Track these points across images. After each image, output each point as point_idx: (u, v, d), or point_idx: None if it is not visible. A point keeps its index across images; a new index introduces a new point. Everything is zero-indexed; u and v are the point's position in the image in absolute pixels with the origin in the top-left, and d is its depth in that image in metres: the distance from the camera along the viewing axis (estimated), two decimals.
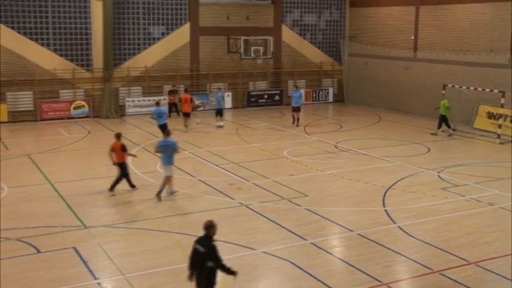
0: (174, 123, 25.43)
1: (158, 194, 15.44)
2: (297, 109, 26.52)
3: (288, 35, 33.13)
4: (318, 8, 33.78)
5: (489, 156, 21.11)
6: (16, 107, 27.23)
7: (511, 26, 25.28)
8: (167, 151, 15.41)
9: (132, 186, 16.40)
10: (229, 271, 8.68)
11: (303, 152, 21.35)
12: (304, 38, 33.76)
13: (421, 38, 29.84)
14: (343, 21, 34.68)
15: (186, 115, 25.55)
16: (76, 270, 11.11)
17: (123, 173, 16.14)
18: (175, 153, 15.59)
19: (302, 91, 29.93)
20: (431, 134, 24.72)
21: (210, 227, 8.69)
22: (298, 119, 26.61)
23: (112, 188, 16.13)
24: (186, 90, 27.54)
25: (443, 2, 28.43)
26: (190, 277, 8.89)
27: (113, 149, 15.97)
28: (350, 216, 14.37)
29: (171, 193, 15.78)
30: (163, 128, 21.70)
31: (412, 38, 30.20)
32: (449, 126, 24.65)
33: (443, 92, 25.62)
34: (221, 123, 26.25)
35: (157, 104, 23.24)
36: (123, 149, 15.95)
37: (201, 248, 8.60)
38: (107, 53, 28.20)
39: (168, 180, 15.55)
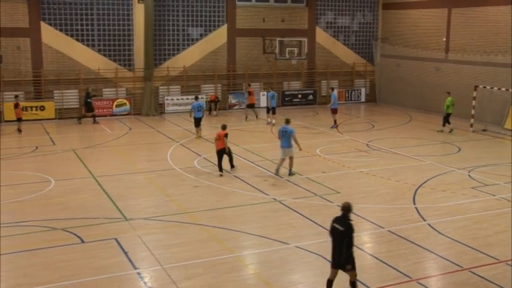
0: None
1: (290, 173, 17.71)
2: (333, 111, 26.05)
3: (322, 36, 33.41)
4: (351, 11, 34.00)
5: None
6: (63, 104, 28.14)
7: None
8: (286, 136, 17.45)
9: (232, 166, 18.30)
10: (351, 256, 9.48)
11: (336, 150, 21.45)
12: (338, 40, 33.99)
13: (453, 39, 29.74)
14: (376, 23, 34.80)
15: (251, 106, 27.89)
16: (117, 260, 11.36)
17: (228, 154, 18.18)
18: (292, 138, 17.53)
19: (335, 92, 27.83)
20: (449, 132, 24.80)
21: (348, 209, 9.53)
22: (334, 121, 26.09)
23: (232, 166, 18.23)
24: (249, 85, 29.59)
25: (474, 5, 28.31)
26: None
27: (218, 137, 17.96)
28: (381, 213, 14.38)
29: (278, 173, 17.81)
30: (199, 120, 23.14)
31: (444, 39, 30.12)
32: (448, 123, 24.87)
33: (448, 92, 25.69)
34: (273, 121, 26.59)
35: (196, 98, 24.67)
36: (226, 136, 17.92)
37: (339, 227, 9.43)
38: (148, 54, 28.79)
39: (291, 160, 17.76)
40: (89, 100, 26.99)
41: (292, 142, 17.50)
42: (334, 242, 9.57)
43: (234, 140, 22.86)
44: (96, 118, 27.38)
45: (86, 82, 28.53)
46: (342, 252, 9.40)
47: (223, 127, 18.23)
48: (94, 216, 13.94)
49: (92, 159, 19.84)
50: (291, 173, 17.78)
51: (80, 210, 14.35)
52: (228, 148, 18.04)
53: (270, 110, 27.15)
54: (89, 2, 28.16)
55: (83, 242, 12.29)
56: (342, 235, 9.37)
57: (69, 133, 25.00)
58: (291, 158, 17.74)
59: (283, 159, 17.70)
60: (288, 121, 18.01)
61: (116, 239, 12.38)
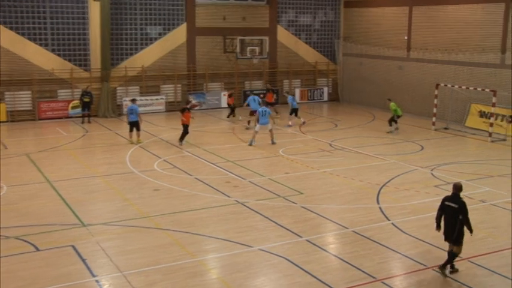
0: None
1: (272, 143, 22.27)
2: (251, 113, 25.58)
3: (284, 35, 33.29)
4: (312, 9, 33.95)
5: (481, 154, 21.28)
6: (15, 106, 27.29)
7: (502, 26, 25.54)
8: (266, 115, 22.16)
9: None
10: (471, 227, 10.85)
11: (299, 150, 21.43)
12: (299, 38, 33.91)
13: (414, 38, 30.02)
14: (338, 21, 34.84)
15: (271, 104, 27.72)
16: (74, 268, 11.14)
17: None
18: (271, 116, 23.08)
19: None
20: (388, 132, 25.02)
21: (460, 188, 10.94)
22: (248, 122, 25.86)
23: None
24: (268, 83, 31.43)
25: (435, 3, 28.61)
26: (438, 228, 11.18)
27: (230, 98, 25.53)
28: (345, 213, 14.44)
29: (251, 143, 22.16)
30: (134, 125, 22.26)
31: (406, 38, 30.37)
32: (390, 125, 25.11)
33: (388, 98, 26.10)
34: (289, 123, 26.39)
35: (133, 101, 23.64)
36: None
37: (453, 205, 10.81)
38: (105, 53, 28.24)
39: (272, 132, 22.48)
40: (84, 99, 26.94)
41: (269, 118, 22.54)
42: (446, 219, 10.96)
43: (196, 142, 22.90)
44: (89, 118, 27.42)
45: (40, 83, 27.78)
46: (455, 228, 10.76)
47: (230, 95, 24.95)
48: (49, 223, 13.62)
49: (47, 163, 19.34)
50: (274, 142, 22.33)
51: (34, 217, 14.00)
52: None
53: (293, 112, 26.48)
54: None
55: (38, 250, 11.98)
56: (456, 212, 10.74)
57: (22, 136, 24.30)
58: (271, 131, 22.41)
59: (257, 132, 22.12)
60: (267, 103, 24.13)
61: (73, 246, 12.16)
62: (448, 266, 11.10)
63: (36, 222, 13.64)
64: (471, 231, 10.91)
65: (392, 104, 25.27)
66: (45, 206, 14.83)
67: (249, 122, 25.82)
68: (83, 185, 16.90)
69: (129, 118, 22.43)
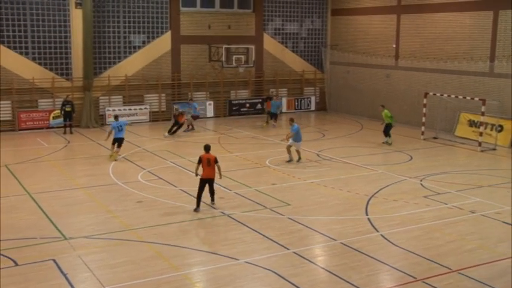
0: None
1: (298, 160, 21.04)
2: (194, 117, 27.93)
3: (270, 43, 33.07)
4: (299, 17, 33.76)
5: (470, 164, 21.32)
6: None
7: (490, 35, 25.54)
8: (300, 132, 20.98)
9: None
10: None
11: (285, 160, 21.24)
12: (286, 47, 33.70)
13: (402, 46, 29.95)
14: (325, 29, 34.69)
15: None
16: (55, 283, 10.89)
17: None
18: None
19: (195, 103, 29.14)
20: (389, 143, 24.35)
21: None
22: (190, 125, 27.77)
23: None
24: (273, 91, 32.61)
25: (424, 11, 28.60)
26: None
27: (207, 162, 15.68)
28: (333, 225, 14.33)
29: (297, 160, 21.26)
30: (120, 142, 21.52)
31: (394, 46, 30.29)
32: (387, 135, 24.42)
33: (381, 105, 25.61)
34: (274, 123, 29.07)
35: (116, 117, 22.76)
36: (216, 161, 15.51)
37: None
38: (87, 62, 27.90)
39: (299, 152, 21.19)
40: (65, 109, 26.61)
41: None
42: None
43: (180, 152, 22.71)
44: (71, 128, 26.97)
45: (20, 92, 27.28)
46: None
47: (207, 148, 15.54)
48: (29, 236, 13.36)
49: (27, 175, 18.97)
50: (299, 159, 21.23)
51: (13, 231, 13.67)
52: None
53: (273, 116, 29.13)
54: (21, 6, 26.81)
55: (16, 265, 11.72)
56: None
57: (2, 147, 23.59)
58: (299, 151, 21.23)
59: (297, 150, 21.18)
60: (292, 120, 21.84)
61: (53, 260, 11.92)
62: None
63: (15, 236, 13.33)
64: None
65: (386, 112, 24.42)
66: (25, 219, 14.52)
67: (189, 126, 27.58)
68: (65, 197, 16.61)
69: (117, 135, 21.42)
